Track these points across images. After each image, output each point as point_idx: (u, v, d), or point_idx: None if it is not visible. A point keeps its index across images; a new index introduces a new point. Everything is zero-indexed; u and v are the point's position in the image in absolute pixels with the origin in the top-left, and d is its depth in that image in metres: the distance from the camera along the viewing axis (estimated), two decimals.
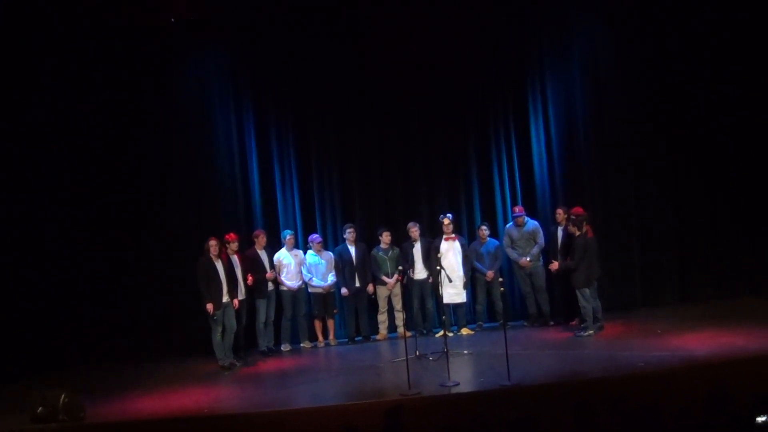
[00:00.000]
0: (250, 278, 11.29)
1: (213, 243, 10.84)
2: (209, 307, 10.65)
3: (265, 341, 11.74)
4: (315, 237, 12.19)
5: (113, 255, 12.27)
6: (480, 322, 12.35)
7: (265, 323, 11.72)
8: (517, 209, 12.16)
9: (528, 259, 11.96)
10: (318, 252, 12.08)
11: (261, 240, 11.78)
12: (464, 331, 12.04)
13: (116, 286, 12.32)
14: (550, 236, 11.99)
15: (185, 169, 12.56)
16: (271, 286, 11.75)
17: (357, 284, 12.14)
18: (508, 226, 12.33)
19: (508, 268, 12.49)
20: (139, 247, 12.40)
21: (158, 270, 12.40)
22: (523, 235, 12.03)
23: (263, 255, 11.74)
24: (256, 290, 11.53)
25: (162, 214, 12.49)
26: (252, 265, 11.50)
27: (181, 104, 12.63)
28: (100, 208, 12.31)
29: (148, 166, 12.46)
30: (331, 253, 12.30)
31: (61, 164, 12.26)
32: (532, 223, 12.12)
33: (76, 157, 12.31)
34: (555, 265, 11.22)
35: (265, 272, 11.62)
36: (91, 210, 12.30)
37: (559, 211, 11.68)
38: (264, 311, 11.64)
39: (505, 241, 12.21)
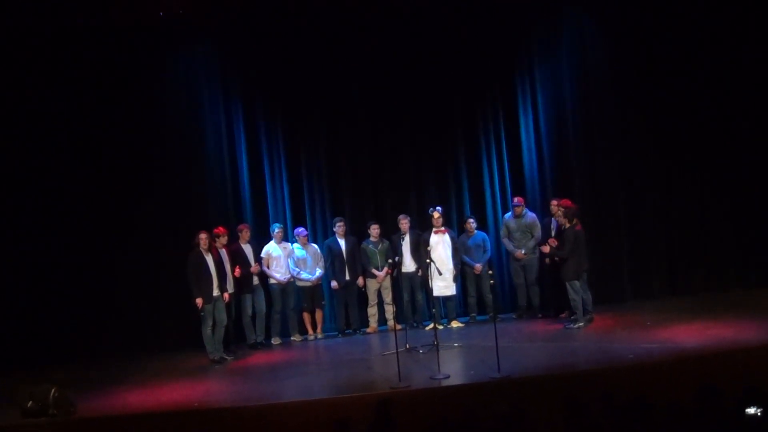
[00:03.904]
0: (237, 270, 11.25)
1: (203, 237, 10.79)
2: (198, 301, 10.62)
3: (253, 335, 11.73)
4: (300, 231, 12.16)
5: (102, 249, 12.20)
6: (473, 314, 12.36)
7: (254, 317, 11.71)
8: (516, 200, 12.16)
9: (523, 251, 11.97)
10: (303, 246, 12.07)
11: (245, 234, 11.75)
12: (454, 323, 12.06)
13: (105, 281, 12.24)
14: (543, 227, 12.00)
15: (174, 164, 12.50)
16: (256, 280, 11.73)
17: (347, 277, 12.13)
18: (506, 216, 12.32)
19: (497, 259, 12.54)
20: (128, 242, 12.34)
21: (147, 264, 12.35)
22: (521, 226, 12.03)
23: (248, 249, 11.72)
24: (242, 285, 11.50)
25: (151, 208, 12.42)
26: (236, 259, 11.44)
27: (169, 98, 12.56)
28: (88, 202, 12.23)
29: (137, 161, 12.38)
30: (316, 245, 12.31)
31: (46, 159, 12.16)
32: (530, 216, 12.12)
33: (63, 151, 12.22)
34: (545, 248, 11.22)
35: (250, 266, 11.60)
36: (79, 204, 12.21)
37: (554, 202, 11.65)
38: (249, 305, 11.62)
39: (502, 231, 12.22)
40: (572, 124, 12.66)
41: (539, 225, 12.08)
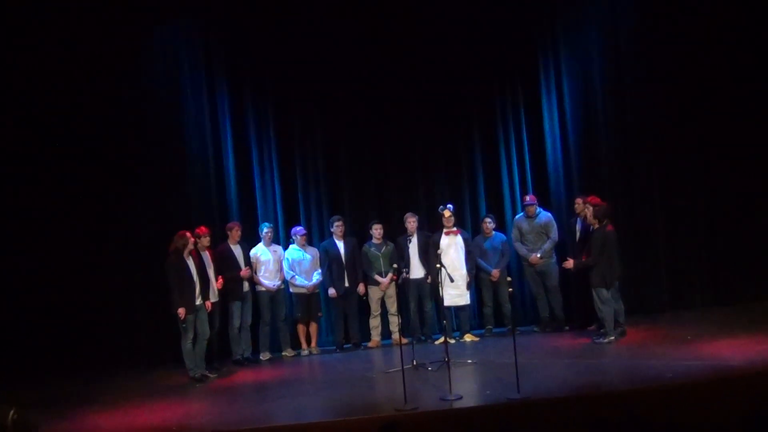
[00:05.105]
0: (220, 280, 11.24)
1: (186, 237, 10.74)
2: (181, 311, 10.56)
3: (240, 349, 11.72)
4: (299, 229, 12.16)
5: (68, 254, 12.17)
6: (489, 326, 12.35)
7: (240, 328, 11.70)
8: (528, 198, 12.17)
9: (539, 255, 11.95)
10: (302, 246, 12.06)
11: (235, 233, 11.75)
12: (468, 337, 12.05)
13: (73, 289, 12.19)
14: (567, 229, 11.99)
15: (151, 155, 12.47)
16: (246, 286, 11.73)
17: (346, 284, 12.14)
18: (517, 217, 12.34)
19: (517, 266, 12.51)
20: (98, 244, 12.30)
21: (120, 269, 12.34)
22: (534, 227, 12.02)
23: (237, 251, 11.73)
24: (229, 292, 11.48)
25: (125, 206, 12.41)
26: (225, 262, 11.46)
27: (147, 81, 12.53)
28: (55, 200, 12.20)
29: (110, 152, 12.35)
30: (316, 248, 12.29)
31: (10, 149, 12.14)
32: (544, 215, 12.11)
33: (27, 140, 12.19)
34: (570, 263, 11.16)
35: (239, 270, 11.59)
36: (44, 203, 12.18)
37: (578, 200, 11.62)
38: (238, 315, 11.62)
39: (514, 234, 12.21)
40: (602, 109, 12.64)
41: (555, 224, 12.09)
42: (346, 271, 12.13)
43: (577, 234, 11.58)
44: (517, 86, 13.04)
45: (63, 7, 12.05)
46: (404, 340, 10.90)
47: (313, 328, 12.29)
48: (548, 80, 12.84)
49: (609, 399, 8.10)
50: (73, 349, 12.11)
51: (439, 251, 11.10)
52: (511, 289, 10.96)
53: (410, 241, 12.00)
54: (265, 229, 11.99)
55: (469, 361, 10.48)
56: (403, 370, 8.73)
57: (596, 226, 10.82)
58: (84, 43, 12.17)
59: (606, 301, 10.68)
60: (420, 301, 12.21)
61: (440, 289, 10.64)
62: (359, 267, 12.19)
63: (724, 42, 12.41)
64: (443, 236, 11.76)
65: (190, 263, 10.78)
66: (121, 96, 12.41)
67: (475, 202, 13.08)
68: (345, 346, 12.35)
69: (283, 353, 12.16)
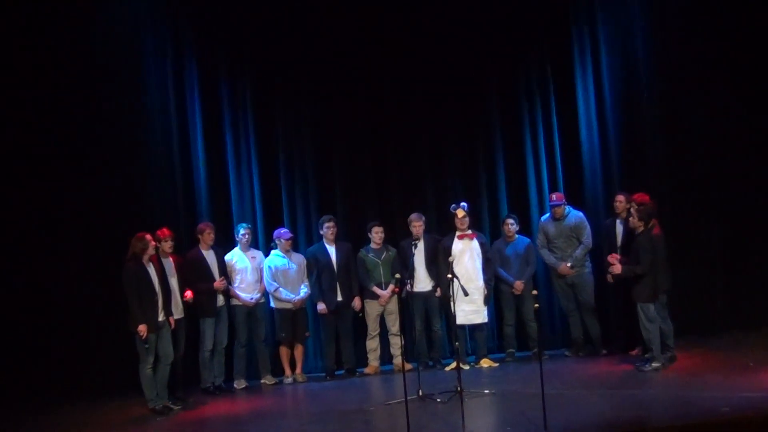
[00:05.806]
0: (188, 293, 11.17)
1: (146, 240, 10.61)
2: (142, 329, 10.47)
3: (210, 375, 11.71)
4: (283, 232, 12.15)
5: (5, 262, 12.07)
6: (511, 350, 12.34)
7: (213, 351, 11.67)
8: (554, 196, 12.12)
9: (569, 264, 11.89)
10: (286, 252, 12.03)
11: (207, 237, 11.73)
12: (485, 362, 12.02)
13: (12, 304, 12.08)
14: (605, 231, 11.93)
15: (105, 142, 12.38)
16: (221, 300, 11.70)
17: (338, 298, 12.13)
18: (543, 219, 12.33)
19: (544, 276, 12.56)
20: (39, 250, 12.21)
21: (68, 280, 12.25)
22: (563, 231, 11.99)
23: (210, 257, 11.72)
24: (200, 306, 11.43)
25: (73, 203, 12.30)
26: (196, 271, 11.43)
27: (101, 52, 12.43)
28: None
29: (55, 136, 12.23)
30: (303, 255, 12.25)
31: None
32: (575, 215, 12.06)
33: None
34: (617, 268, 10.94)
35: (213, 280, 11.55)
36: None
37: (620, 198, 11.58)
38: (211, 335, 11.61)
39: (540, 239, 12.20)
40: (648, 91, 12.64)
41: (588, 226, 12.06)
42: (339, 283, 12.12)
43: (619, 238, 11.48)
44: (546, 63, 13.10)
45: None
46: (408, 366, 10.83)
47: (299, 350, 12.29)
48: (583, 55, 12.91)
49: None
50: (14, 375, 12.00)
51: (450, 259, 11.04)
52: (537, 305, 10.83)
53: (416, 247, 11.90)
54: (242, 231, 11.98)
55: (486, 391, 10.40)
56: (406, 401, 8.65)
57: (641, 229, 10.68)
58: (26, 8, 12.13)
59: (653, 318, 10.57)
60: (427, 318, 12.20)
61: (452, 304, 10.56)
62: (354, 277, 12.18)
63: None
64: (456, 241, 11.77)
65: (151, 271, 10.69)
66: (71, 71, 12.29)
67: (495, 201, 13.14)
68: (337, 372, 12.35)
69: (262, 381, 12.14)
